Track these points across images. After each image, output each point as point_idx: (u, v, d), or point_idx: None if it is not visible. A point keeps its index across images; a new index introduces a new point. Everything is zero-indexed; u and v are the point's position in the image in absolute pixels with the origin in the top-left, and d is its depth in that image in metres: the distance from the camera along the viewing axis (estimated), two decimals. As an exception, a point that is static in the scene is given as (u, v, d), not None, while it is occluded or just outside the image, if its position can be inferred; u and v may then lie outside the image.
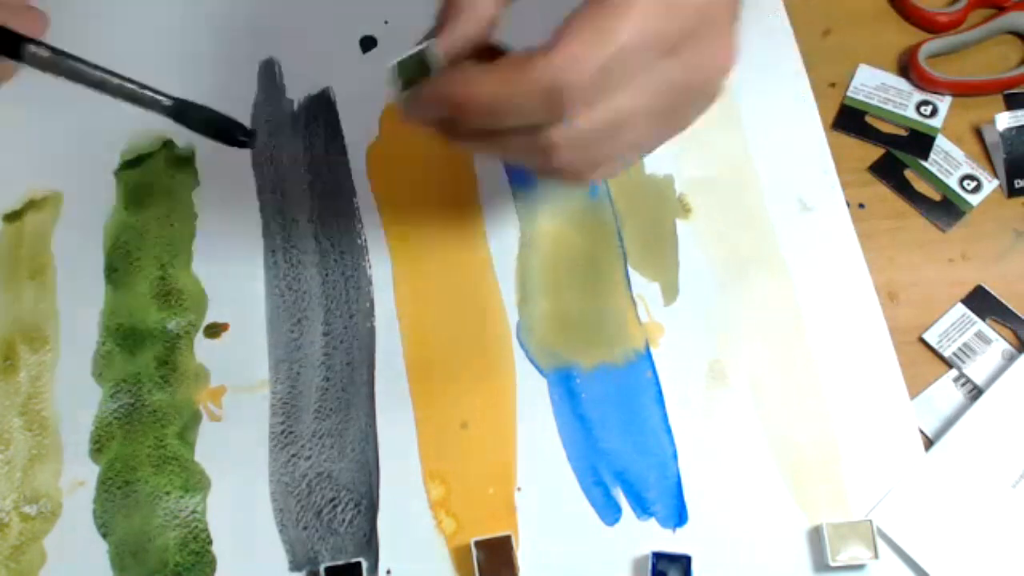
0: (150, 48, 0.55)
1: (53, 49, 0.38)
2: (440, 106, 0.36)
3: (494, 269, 0.49)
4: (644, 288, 0.48)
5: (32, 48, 0.38)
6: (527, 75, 0.34)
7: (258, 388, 0.48)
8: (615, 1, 0.34)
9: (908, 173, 0.49)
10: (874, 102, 0.51)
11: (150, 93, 0.38)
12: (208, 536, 0.45)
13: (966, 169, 0.49)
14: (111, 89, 0.38)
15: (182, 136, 0.53)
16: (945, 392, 0.45)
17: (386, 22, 0.55)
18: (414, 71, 0.37)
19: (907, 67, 0.51)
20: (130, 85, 0.38)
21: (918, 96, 0.51)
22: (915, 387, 0.45)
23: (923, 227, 0.49)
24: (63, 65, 0.38)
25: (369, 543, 0.45)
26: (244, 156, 0.52)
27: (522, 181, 0.51)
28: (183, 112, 0.38)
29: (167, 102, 0.38)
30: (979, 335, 0.46)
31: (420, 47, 0.36)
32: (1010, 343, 0.46)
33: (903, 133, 0.50)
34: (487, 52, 0.38)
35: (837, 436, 0.45)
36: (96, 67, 0.38)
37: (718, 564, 0.43)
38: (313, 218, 0.51)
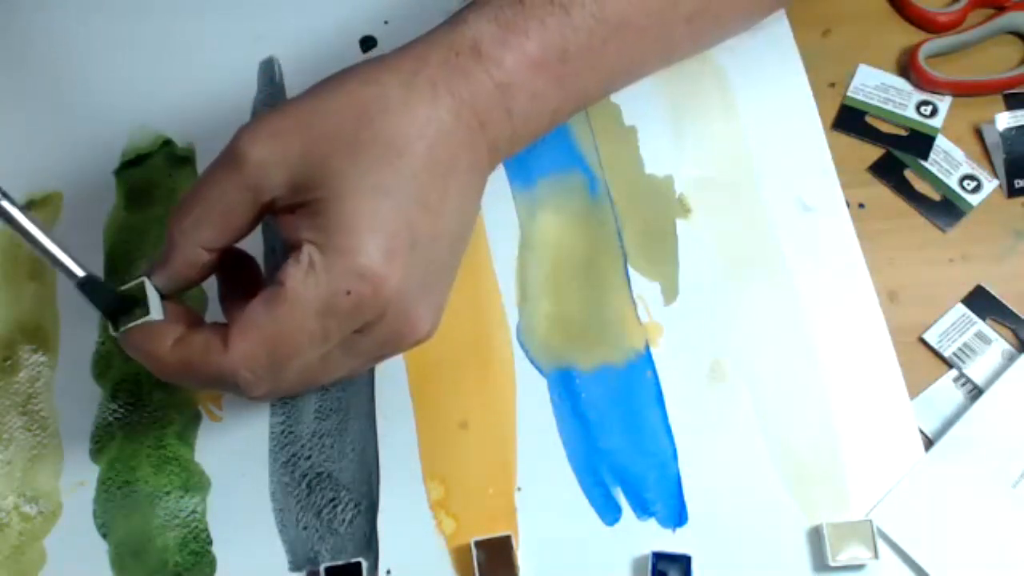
0: (150, 48, 0.56)
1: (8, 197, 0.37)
2: (140, 362, 0.39)
3: (494, 269, 0.49)
4: (644, 288, 0.48)
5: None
6: (204, 367, 0.37)
7: (258, 388, 0.48)
8: (281, 299, 0.36)
9: (908, 173, 0.49)
10: (874, 102, 0.51)
11: (65, 262, 0.38)
12: (208, 536, 0.45)
13: (966, 169, 0.49)
14: (33, 243, 0.38)
15: (182, 136, 0.53)
16: (945, 392, 0.45)
17: (386, 22, 0.55)
18: (130, 301, 0.39)
19: (907, 67, 0.51)
20: (52, 250, 0.38)
21: (918, 96, 0.51)
22: (915, 387, 0.45)
23: (923, 227, 0.49)
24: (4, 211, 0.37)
25: (369, 543, 0.45)
26: (244, 156, 0.52)
27: (522, 181, 0.51)
28: (88, 288, 0.39)
29: (79, 273, 0.38)
30: (979, 335, 0.46)
31: (135, 281, 0.39)
32: (1010, 343, 0.46)
33: (903, 133, 0.50)
34: (234, 259, 0.41)
35: (837, 436, 0.45)
36: (33, 220, 0.37)
37: (718, 564, 0.43)
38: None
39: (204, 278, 0.40)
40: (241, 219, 0.38)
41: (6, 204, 0.36)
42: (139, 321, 0.38)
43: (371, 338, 0.38)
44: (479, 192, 0.41)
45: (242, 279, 0.42)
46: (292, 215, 0.37)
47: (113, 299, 0.39)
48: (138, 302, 0.39)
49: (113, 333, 0.39)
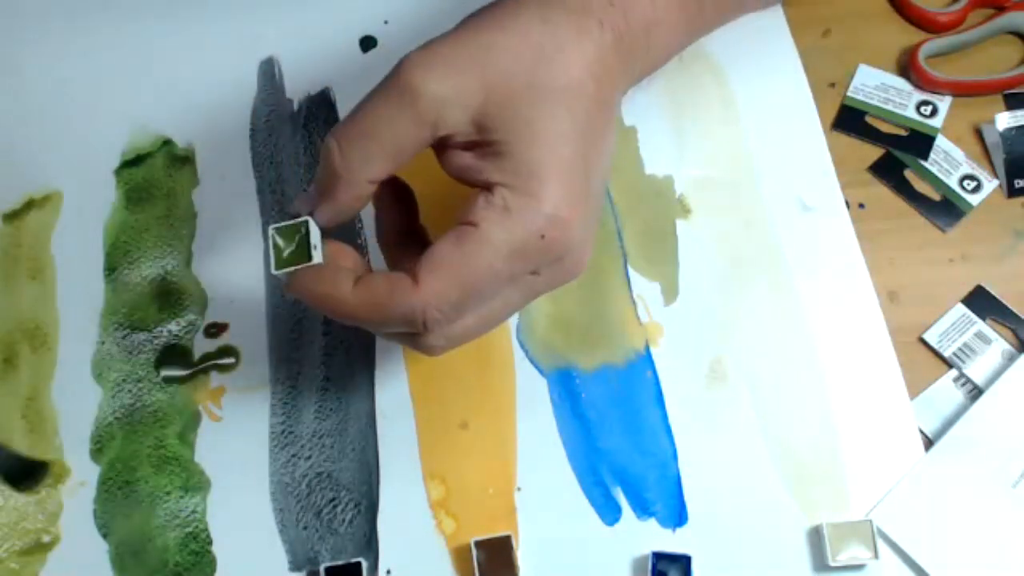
0: (150, 48, 0.56)
1: None
2: (312, 305, 0.38)
3: (494, 269, 0.49)
4: (644, 288, 0.48)
5: None
6: (392, 306, 0.37)
7: (258, 388, 0.48)
8: (476, 239, 0.36)
9: (908, 173, 0.49)
10: (874, 102, 0.51)
11: None
12: (208, 536, 0.45)
13: (966, 169, 0.49)
14: None
15: (182, 136, 0.53)
16: (945, 392, 0.45)
17: (386, 22, 0.55)
18: (293, 241, 0.38)
19: (907, 67, 0.51)
20: None
21: (918, 96, 0.51)
22: (915, 387, 0.45)
23: (923, 227, 0.49)
24: None
25: (369, 543, 0.45)
26: (244, 156, 0.53)
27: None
28: None
29: None
30: (979, 335, 0.46)
31: (299, 220, 0.38)
32: (1010, 343, 0.46)
33: (903, 133, 0.50)
34: (386, 186, 0.40)
35: (837, 436, 0.45)
36: None
37: (718, 564, 0.43)
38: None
39: (362, 208, 0.39)
40: (412, 152, 0.38)
41: None
42: (307, 265, 0.38)
43: (545, 278, 0.39)
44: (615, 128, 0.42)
45: (400, 206, 0.41)
46: (469, 154, 0.38)
47: (13, 462, 0.40)
48: (35, 467, 0.39)
49: (275, 272, 0.38)
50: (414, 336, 0.38)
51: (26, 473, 0.40)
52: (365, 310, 0.37)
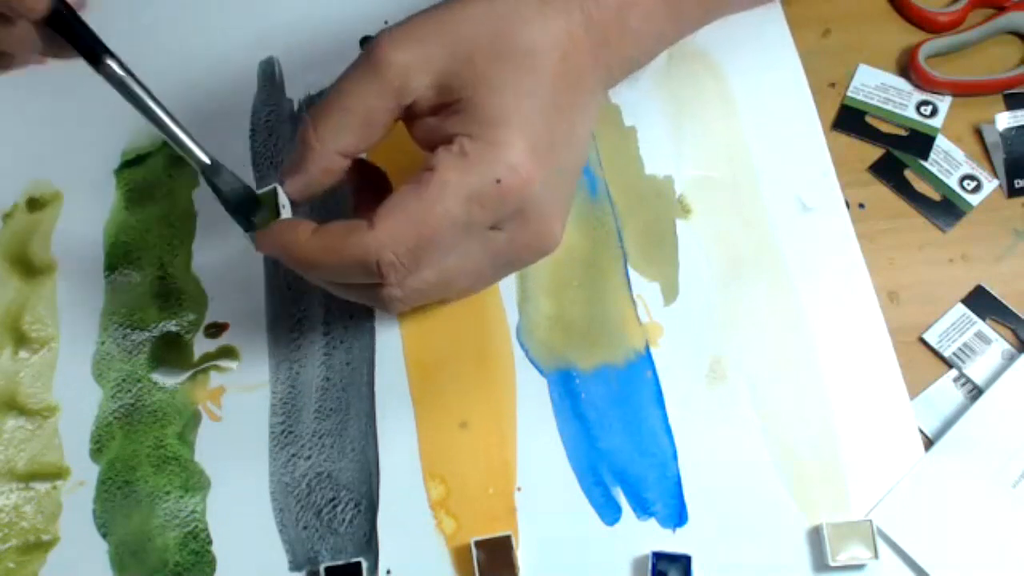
0: (150, 47, 0.55)
1: (127, 71, 0.39)
2: (278, 256, 0.40)
3: (494, 269, 0.49)
4: (644, 288, 0.48)
5: (111, 64, 0.39)
6: (348, 248, 0.38)
7: (258, 388, 0.48)
8: (432, 182, 0.37)
9: (908, 173, 0.49)
10: (874, 102, 0.51)
11: (193, 147, 0.40)
12: (208, 536, 0.45)
13: (966, 169, 0.49)
14: (160, 127, 0.40)
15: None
16: (945, 392, 0.45)
17: (386, 22, 0.55)
18: (263, 208, 0.40)
19: (907, 67, 0.51)
20: (179, 133, 0.40)
21: (918, 96, 0.51)
22: (915, 387, 0.45)
23: (923, 227, 0.49)
24: (129, 88, 0.39)
25: (369, 543, 0.45)
26: (244, 156, 0.53)
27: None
28: (215, 173, 0.40)
29: (205, 160, 0.40)
30: (979, 335, 0.46)
31: (267, 188, 0.40)
32: (1010, 343, 0.46)
33: (903, 133, 0.50)
34: (360, 169, 0.42)
35: (837, 436, 0.45)
36: (158, 103, 0.39)
37: (718, 564, 0.43)
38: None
39: (333, 184, 0.41)
40: (381, 123, 0.39)
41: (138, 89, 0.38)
42: (275, 221, 0.39)
43: (508, 236, 0.39)
44: (595, 117, 0.42)
45: (372, 190, 0.42)
46: (435, 117, 0.39)
47: (238, 189, 0.40)
48: (258, 203, 0.40)
49: (246, 233, 0.40)
50: (374, 289, 0.39)
51: (249, 205, 0.41)
52: (322, 253, 0.38)
